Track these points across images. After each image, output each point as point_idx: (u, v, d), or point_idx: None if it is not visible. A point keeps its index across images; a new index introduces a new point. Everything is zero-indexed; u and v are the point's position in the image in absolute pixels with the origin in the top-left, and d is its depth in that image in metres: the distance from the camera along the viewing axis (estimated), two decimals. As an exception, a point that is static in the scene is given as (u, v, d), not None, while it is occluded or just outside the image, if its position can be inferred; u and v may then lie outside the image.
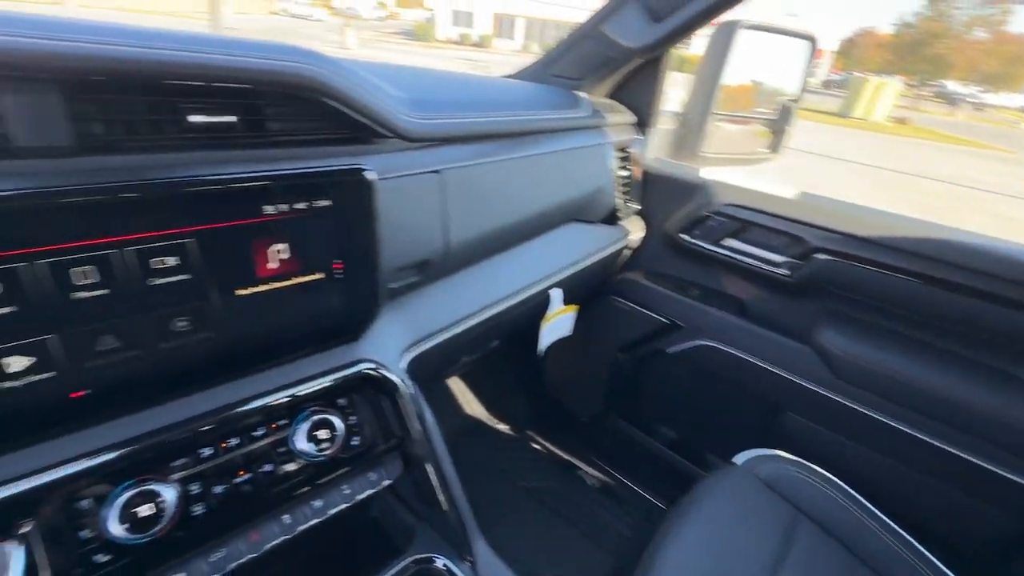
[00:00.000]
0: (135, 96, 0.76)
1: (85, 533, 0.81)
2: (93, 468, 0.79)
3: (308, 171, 0.92)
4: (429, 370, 1.38)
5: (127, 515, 0.82)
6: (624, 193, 1.84)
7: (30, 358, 0.71)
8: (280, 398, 0.99)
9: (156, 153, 0.80)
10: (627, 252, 1.98)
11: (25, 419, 0.73)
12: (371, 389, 1.17)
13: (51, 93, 0.69)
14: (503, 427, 2.64)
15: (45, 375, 0.73)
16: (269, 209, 0.89)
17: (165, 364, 0.84)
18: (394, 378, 1.15)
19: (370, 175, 1.01)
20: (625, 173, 1.83)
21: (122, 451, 0.82)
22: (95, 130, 0.73)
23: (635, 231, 1.96)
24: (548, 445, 2.55)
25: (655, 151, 2.05)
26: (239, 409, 0.94)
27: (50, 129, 0.70)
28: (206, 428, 0.90)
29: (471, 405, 2.63)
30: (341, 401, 1.12)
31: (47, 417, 0.76)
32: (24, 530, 0.77)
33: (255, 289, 0.91)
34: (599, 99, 1.81)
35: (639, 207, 1.97)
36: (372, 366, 1.12)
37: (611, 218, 1.87)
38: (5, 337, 0.69)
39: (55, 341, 0.73)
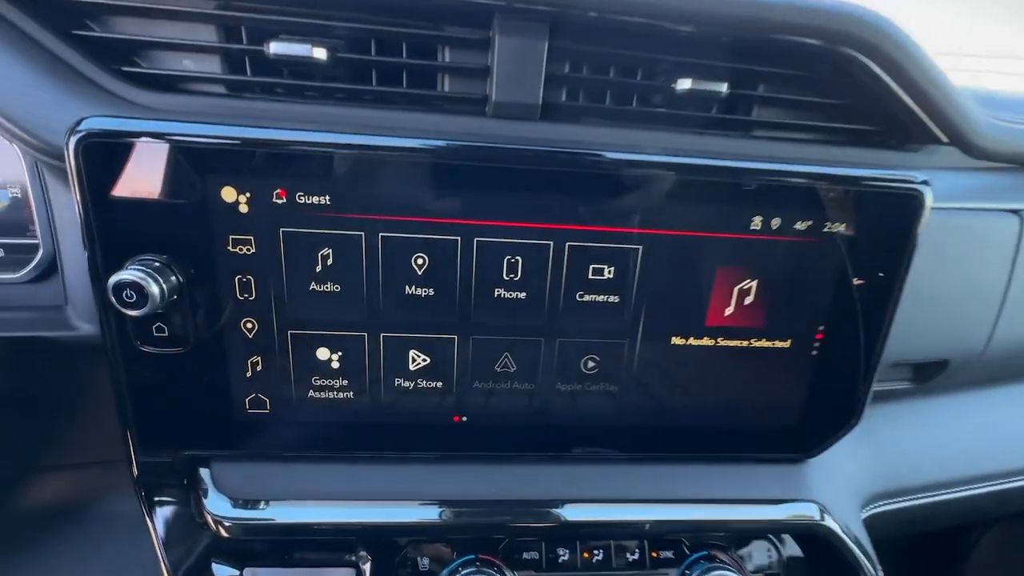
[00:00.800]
0: (618, 45, 0.54)
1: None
2: (445, 523, 0.59)
3: (839, 174, 0.55)
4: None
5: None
6: None
7: (424, 357, 0.54)
8: (680, 515, 0.63)
9: (617, 127, 0.57)
10: None
11: (399, 429, 0.57)
12: (809, 548, 0.69)
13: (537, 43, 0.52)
14: None
15: (434, 383, 0.56)
16: (755, 223, 0.55)
17: (554, 410, 0.59)
18: (854, 550, 0.64)
19: (926, 193, 0.56)
20: None
21: (474, 515, 0.59)
22: (562, 96, 0.57)
23: None
24: None
25: None
26: (621, 514, 0.62)
27: (525, 88, 0.54)
28: (571, 522, 0.61)
29: None
30: (758, 556, 0.68)
31: (418, 434, 0.58)
32: (362, 564, 0.62)
33: (696, 341, 0.58)
34: None
35: None
36: (817, 518, 0.65)
37: None
38: (420, 320, 0.54)
39: (458, 343, 0.55)
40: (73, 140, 0.45)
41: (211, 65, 0.54)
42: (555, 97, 0.56)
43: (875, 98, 0.59)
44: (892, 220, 0.57)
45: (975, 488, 0.82)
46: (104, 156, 0.46)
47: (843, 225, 0.56)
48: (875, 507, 0.76)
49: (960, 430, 0.84)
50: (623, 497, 0.63)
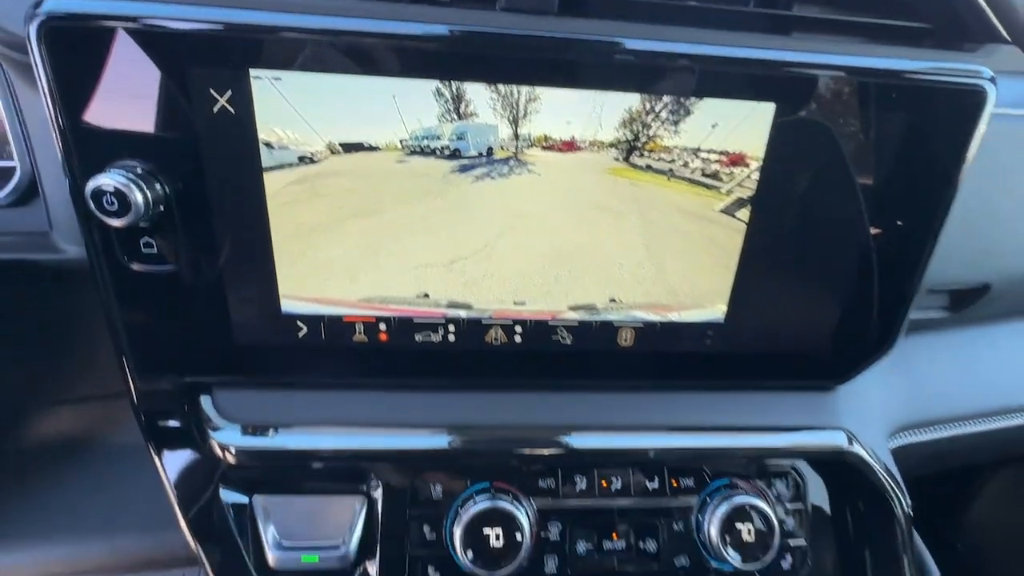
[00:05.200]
0: None
1: (428, 531, 0.59)
2: (458, 449, 0.57)
3: (891, 67, 0.49)
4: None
5: (474, 535, 0.57)
6: None
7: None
8: (704, 444, 0.60)
9: (643, 23, 0.51)
10: None
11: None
12: (835, 479, 0.67)
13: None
14: None
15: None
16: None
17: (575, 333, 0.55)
18: (884, 476, 0.62)
19: (990, 91, 0.50)
20: None
21: (489, 440, 0.57)
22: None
23: None
24: None
25: None
26: (638, 441, 0.59)
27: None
28: (586, 449, 0.58)
29: None
30: (781, 485, 0.66)
31: (430, 360, 0.56)
32: (373, 492, 0.60)
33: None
34: None
35: None
36: (846, 445, 0.62)
37: None
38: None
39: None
40: (34, 25, 0.40)
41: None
42: None
43: None
44: (949, 120, 0.51)
45: (1008, 419, 0.78)
46: (71, 42, 0.41)
47: (891, 126, 0.51)
48: (903, 437, 0.73)
49: (996, 361, 0.80)
50: (644, 424, 0.60)
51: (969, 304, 0.72)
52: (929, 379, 0.76)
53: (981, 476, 1.63)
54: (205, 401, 0.57)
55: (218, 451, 0.56)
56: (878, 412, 0.70)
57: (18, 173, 0.61)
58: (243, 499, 0.59)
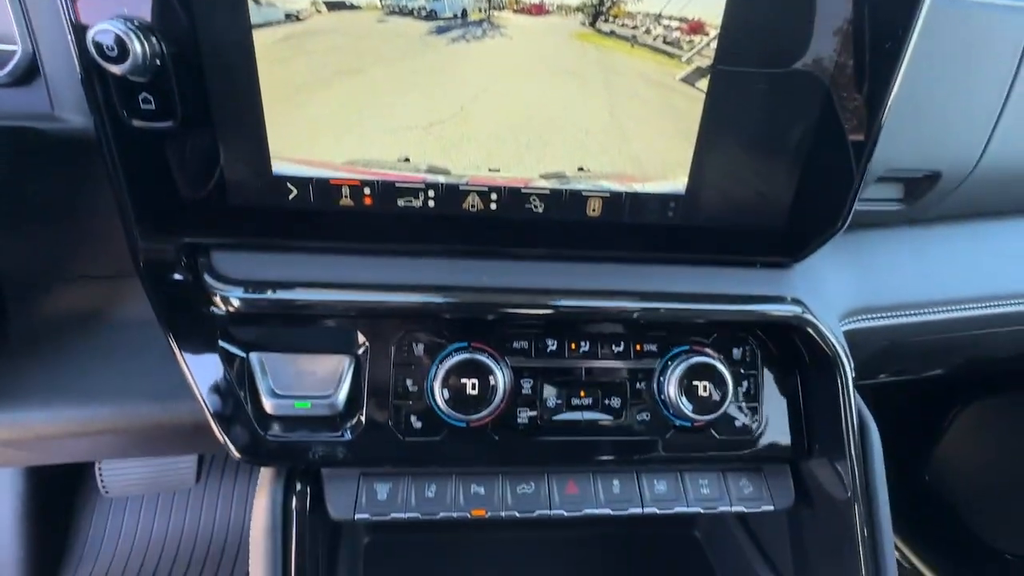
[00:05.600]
0: None
1: (410, 384, 0.65)
2: (440, 305, 0.62)
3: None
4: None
5: (452, 384, 0.62)
6: None
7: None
8: (670, 307, 0.65)
9: None
10: None
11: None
12: (785, 349, 0.72)
13: None
14: None
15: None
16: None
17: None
18: (833, 342, 0.67)
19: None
20: None
21: (467, 298, 0.62)
22: None
23: None
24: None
25: None
26: (607, 303, 0.64)
27: None
28: (558, 308, 0.63)
29: None
30: (736, 352, 0.71)
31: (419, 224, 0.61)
32: (360, 351, 0.65)
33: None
34: None
35: None
36: (800, 313, 0.67)
37: None
38: None
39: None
40: None
41: None
42: None
43: None
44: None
45: (955, 311, 0.84)
46: None
47: (841, -4, 0.54)
48: (854, 320, 0.79)
49: (947, 257, 0.85)
50: (611, 290, 0.65)
51: (921, 195, 0.77)
52: (881, 269, 0.82)
53: (946, 416, 1.72)
54: (204, 261, 0.61)
55: (218, 305, 0.61)
56: (830, 293, 0.76)
57: (19, 52, 0.64)
58: (241, 354, 0.64)
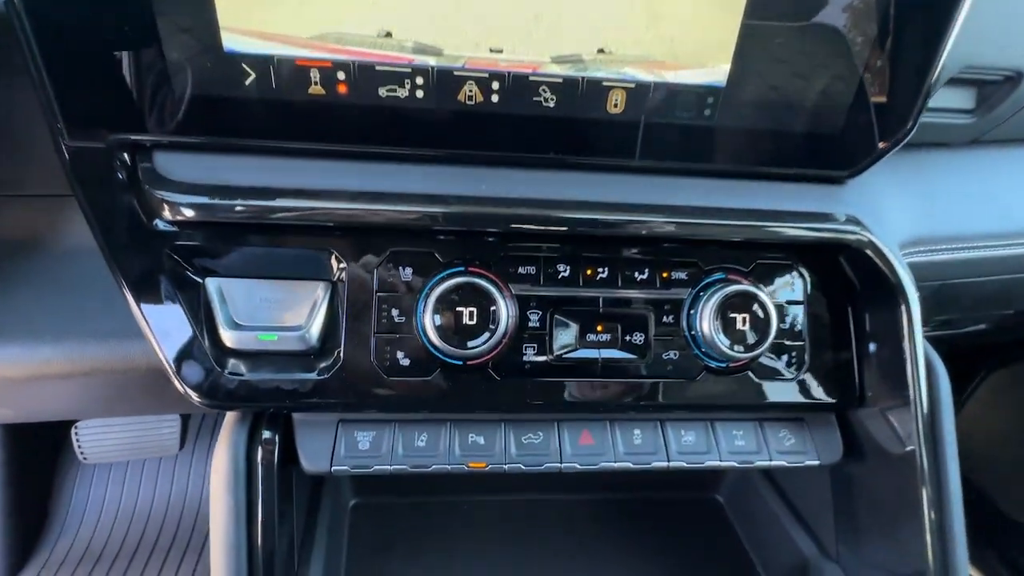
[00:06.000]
0: None
1: (396, 315, 0.55)
2: (432, 217, 0.52)
3: None
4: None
5: (446, 313, 0.52)
6: None
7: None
8: (706, 223, 0.55)
9: None
10: None
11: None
12: (835, 281, 0.62)
13: None
14: None
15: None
16: None
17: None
18: (897, 267, 0.57)
19: None
20: None
21: (461, 209, 0.51)
22: None
23: None
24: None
25: None
26: (631, 218, 0.54)
27: None
28: (573, 223, 0.53)
29: None
30: (779, 283, 0.61)
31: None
32: (336, 277, 0.55)
33: None
34: None
35: None
36: (858, 232, 0.57)
37: None
38: None
39: None
40: None
41: None
42: None
43: None
44: None
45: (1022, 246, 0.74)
46: None
47: None
48: (909, 254, 0.68)
49: (1015, 185, 0.75)
50: (636, 204, 0.54)
51: (996, 103, 0.66)
52: (942, 196, 0.71)
53: (972, 380, 1.63)
54: (146, 166, 0.51)
55: (165, 216, 0.51)
56: (890, 217, 0.65)
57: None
58: (196, 279, 0.54)
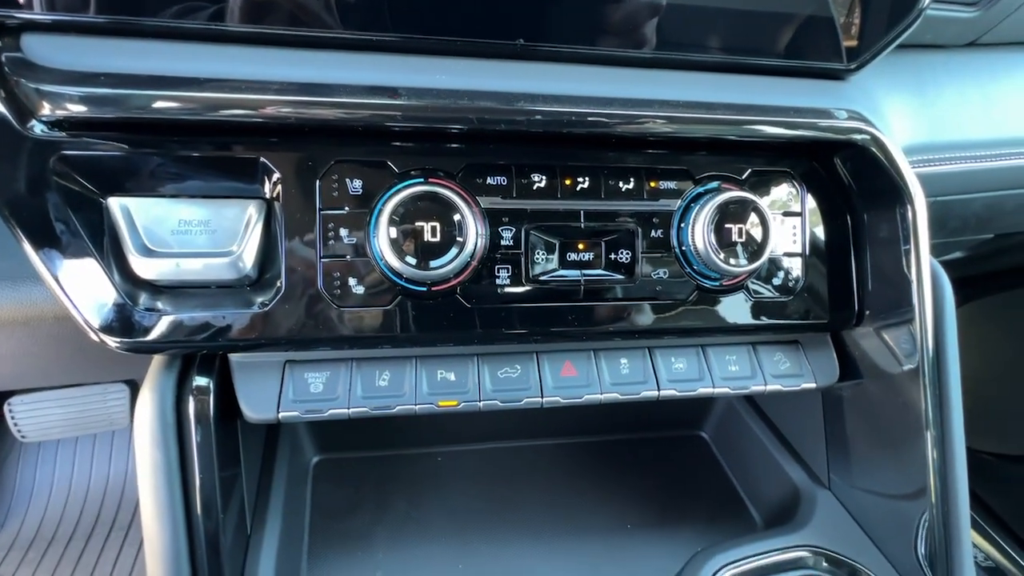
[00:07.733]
0: None
1: (345, 235, 0.47)
2: (384, 112, 0.44)
3: None
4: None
5: (404, 229, 0.45)
6: None
7: None
8: (697, 117, 0.48)
9: None
10: None
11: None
12: (831, 191, 0.57)
13: None
14: None
15: None
16: None
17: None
18: (902, 166, 0.52)
19: None
20: None
21: (427, 102, 0.43)
22: None
23: None
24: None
25: None
26: (613, 111, 0.46)
27: None
28: (547, 120, 0.46)
29: None
30: (776, 192, 0.55)
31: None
32: (271, 194, 0.47)
33: None
34: None
35: None
36: (862, 127, 0.51)
37: None
38: None
39: None
40: None
41: None
42: None
43: None
44: None
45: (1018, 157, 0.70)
46: None
47: None
48: (914, 164, 0.64)
49: (1013, 91, 0.70)
50: (620, 97, 0.47)
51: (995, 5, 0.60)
52: (943, 100, 0.66)
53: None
54: (12, 55, 0.41)
55: (44, 114, 0.41)
56: (891, 120, 0.60)
57: None
58: (95, 198, 0.44)
